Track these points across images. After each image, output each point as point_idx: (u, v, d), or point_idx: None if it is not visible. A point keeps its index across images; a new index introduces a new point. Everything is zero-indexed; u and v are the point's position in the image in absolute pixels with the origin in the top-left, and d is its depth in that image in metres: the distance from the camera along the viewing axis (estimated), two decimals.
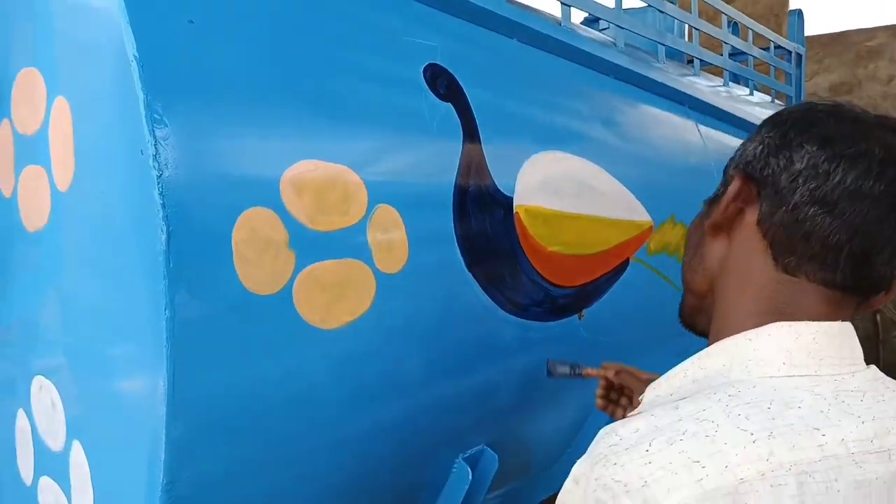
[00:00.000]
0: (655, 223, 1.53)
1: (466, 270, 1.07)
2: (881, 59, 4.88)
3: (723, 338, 0.57)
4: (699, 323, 0.67)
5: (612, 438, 0.50)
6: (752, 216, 0.58)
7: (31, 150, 0.90)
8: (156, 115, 0.72)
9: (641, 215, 1.49)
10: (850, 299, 0.56)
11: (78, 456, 0.84)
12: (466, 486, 1.09)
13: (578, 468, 0.51)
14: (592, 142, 1.42)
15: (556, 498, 0.53)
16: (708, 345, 0.60)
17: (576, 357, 1.34)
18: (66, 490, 0.87)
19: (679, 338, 1.62)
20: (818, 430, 0.48)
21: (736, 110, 2.18)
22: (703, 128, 1.94)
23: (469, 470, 1.10)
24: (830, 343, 0.54)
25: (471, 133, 1.09)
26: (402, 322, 0.97)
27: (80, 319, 0.85)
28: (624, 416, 0.90)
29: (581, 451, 1.57)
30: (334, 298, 0.86)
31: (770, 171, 0.57)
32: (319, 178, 0.86)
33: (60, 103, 0.85)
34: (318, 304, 0.84)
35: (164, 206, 0.70)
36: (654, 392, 0.59)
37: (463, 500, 1.10)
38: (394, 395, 0.98)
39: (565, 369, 1.17)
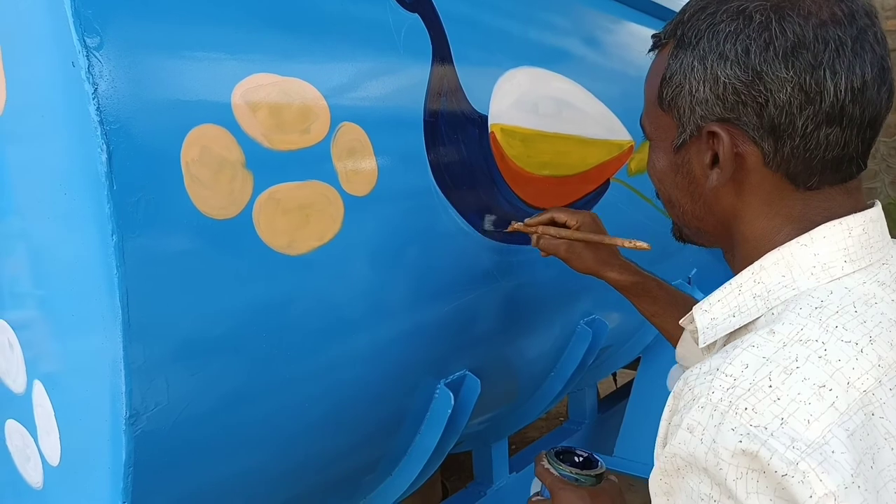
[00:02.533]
0: (637, 143, 1.48)
1: (440, 193, 1.02)
2: None
3: (756, 257, 0.56)
4: (701, 242, 0.66)
5: (724, 381, 0.48)
6: (753, 159, 0.55)
7: None
8: (86, 22, 0.65)
9: (622, 135, 1.44)
10: (857, 181, 0.57)
11: (40, 396, 0.81)
12: (449, 411, 1.08)
13: (693, 417, 0.48)
14: (571, 58, 1.35)
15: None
16: (735, 269, 0.59)
17: (557, 280, 1.32)
18: (32, 431, 0.84)
19: (662, 261, 1.60)
20: None
21: None
22: None
23: (451, 395, 1.08)
24: (874, 228, 0.55)
25: (441, 46, 1.03)
26: (374, 247, 0.93)
27: (29, 253, 0.80)
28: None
29: (564, 376, 1.55)
30: (299, 223, 0.82)
31: (750, 112, 0.53)
32: (275, 93, 0.79)
33: None
34: (281, 229, 0.80)
35: (101, 122, 0.64)
36: (709, 315, 0.57)
37: (446, 425, 1.09)
38: (369, 322, 0.95)
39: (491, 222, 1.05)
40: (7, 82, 0.75)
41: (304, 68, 0.84)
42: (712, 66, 0.54)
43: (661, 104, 0.60)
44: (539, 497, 0.84)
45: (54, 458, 0.82)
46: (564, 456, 0.85)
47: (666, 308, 0.95)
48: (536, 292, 1.28)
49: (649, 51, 0.63)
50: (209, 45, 0.76)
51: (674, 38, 0.58)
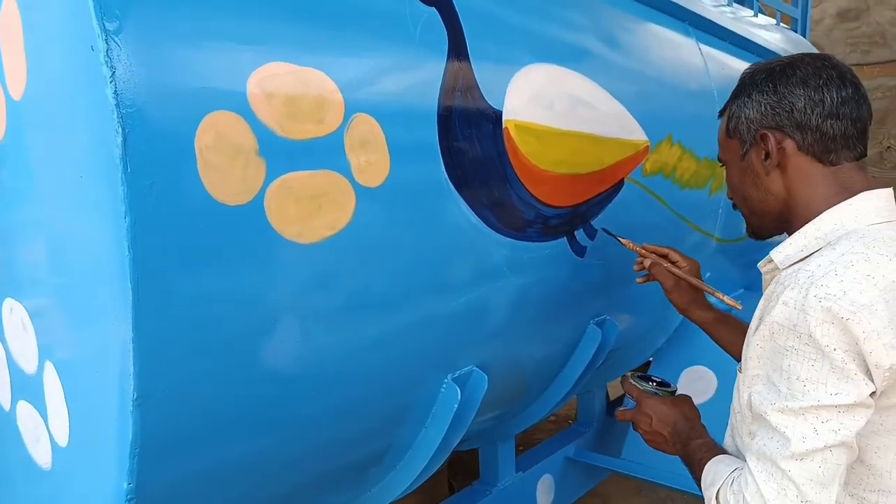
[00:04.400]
0: (652, 143, 1.47)
1: (452, 187, 1.02)
2: None
3: (809, 216, 0.84)
4: (771, 231, 0.93)
5: (805, 273, 0.77)
6: (790, 147, 0.86)
7: None
8: (106, 7, 0.66)
9: (638, 134, 1.43)
10: (863, 161, 0.87)
11: (51, 376, 0.82)
12: (455, 406, 1.08)
13: (787, 295, 0.77)
14: (588, 56, 1.35)
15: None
16: (791, 231, 0.86)
17: (568, 280, 1.31)
18: (42, 411, 0.85)
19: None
20: None
21: (740, 30, 2.08)
22: (704, 47, 1.86)
23: (458, 389, 1.08)
24: (890, 197, 0.84)
25: (457, 40, 1.03)
26: (384, 238, 0.93)
27: (45, 235, 0.81)
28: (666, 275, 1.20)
29: (572, 376, 1.54)
30: (311, 211, 0.82)
31: (783, 118, 0.86)
32: (290, 82, 0.80)
33: (9, 4, 0.79)
34: (293, 217, 0.80)
35: (118, 105, 0.65)
36: (783, 253, 0.85)
37: (452, 420, 1.09)
38: (377, 314, 0.95)
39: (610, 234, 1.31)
40: (28, 66, 0.76)
41: (319, 59, 0.84)
42: (756, 98, 0.88)
43: (728, 134, 0.93)
44: (625, 409, 1.06)
45: (63, 439, 0.83)
46: (644, 377, 1.07)
47: (738, 335, 1.14)
48: (546, 290, 1.27)
49: (719, 117, 0.97)
50: (227, 32, 0.76)
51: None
